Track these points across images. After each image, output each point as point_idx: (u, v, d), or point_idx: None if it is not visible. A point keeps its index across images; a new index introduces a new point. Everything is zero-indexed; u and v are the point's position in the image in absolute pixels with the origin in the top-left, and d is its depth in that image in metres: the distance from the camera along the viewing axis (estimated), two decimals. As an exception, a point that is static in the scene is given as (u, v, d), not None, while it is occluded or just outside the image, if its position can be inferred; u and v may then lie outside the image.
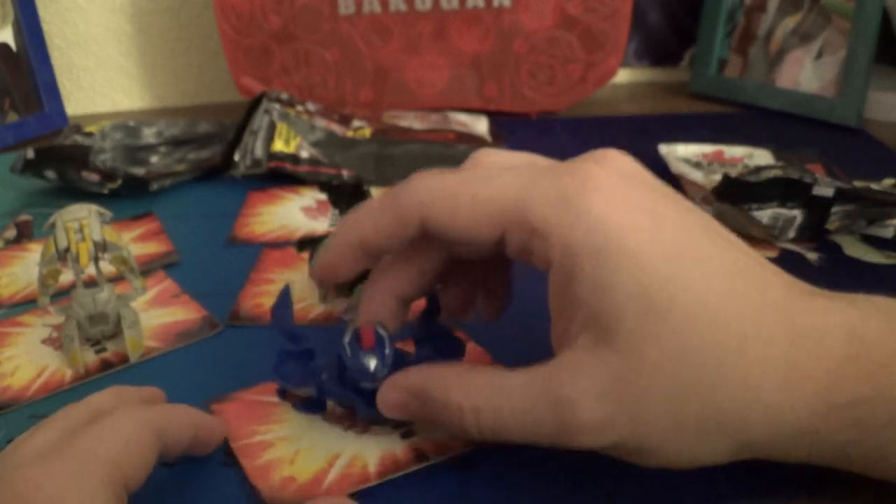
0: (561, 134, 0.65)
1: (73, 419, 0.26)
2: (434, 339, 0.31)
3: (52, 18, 0.75)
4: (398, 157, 0.57)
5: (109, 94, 0.79)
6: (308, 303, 0.40)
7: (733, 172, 0.46)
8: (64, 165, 0.54)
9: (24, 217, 0.52)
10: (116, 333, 0.37)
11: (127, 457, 0.25)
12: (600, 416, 0.24)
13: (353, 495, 0.27)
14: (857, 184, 0.46)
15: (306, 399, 0.31)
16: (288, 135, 0.57)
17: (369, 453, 0.29)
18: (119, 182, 0.53)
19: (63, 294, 0.39)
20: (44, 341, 0.38)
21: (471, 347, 0.35)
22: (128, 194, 0.53)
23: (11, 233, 0.50)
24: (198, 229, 0.49)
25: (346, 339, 0.29)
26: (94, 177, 0.53)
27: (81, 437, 0.25)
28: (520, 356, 0.33)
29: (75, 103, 0.78)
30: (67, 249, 0.35)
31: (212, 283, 0.42)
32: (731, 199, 0.45)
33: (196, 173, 0.57)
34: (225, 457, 0.30)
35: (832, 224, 0.44)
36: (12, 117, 0.67)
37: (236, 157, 0.56)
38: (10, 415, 0.33)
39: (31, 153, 0.53)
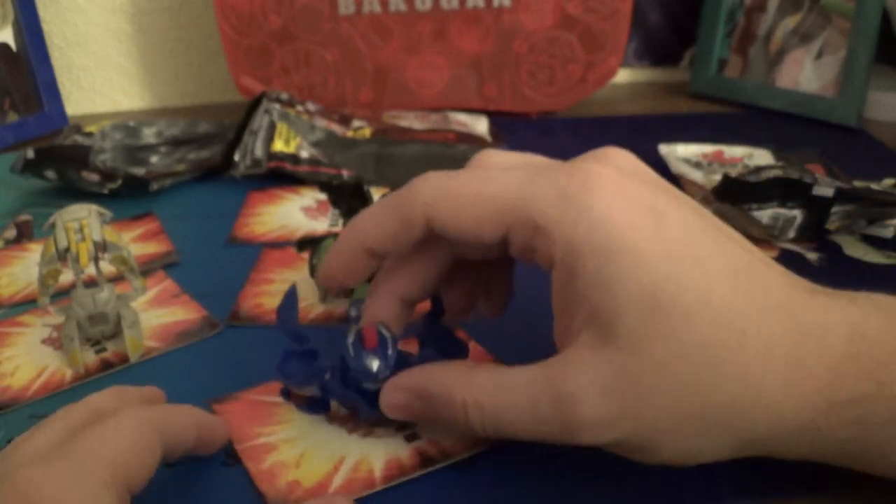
0: (561, 134, 0.65)
1: (74, 419, 0.26)
2: (437, 341, 0.31)
3: (52, 18, 0.75)
4: (398, 157, 0.57)
5: (109, 94, 0.79)
6: (308, 303, 0.40)
7: (733, 172, 0.46)
8: (64, 165, 0.54)
9: (24, 217, 0.52)
10: (116, 333, 0.37)
11: (130, 458, 0.25)
12: (602, 412, 0.24)
13: (358, 500, 0.27)
14: (857, 184, 0.46)
15: (310, 399, 0.31)
16: (288, 135, 0.57)
17: (374, 457, 0.29)
18: (119, 182, 0.53)
19: (63, 294, 0.39)
20: (44, 341, 0.38)
21: (472, 347, 0.35)
22: (128, 194, 0.53)
23: (11, 233, 0.50)
24: (198, 229, 0.49)
25: (350, 339, 0.29)
26: (94, 177, 0.53)
27: (83, 437, 0.25)
28: (521, 355, 0.33)
29: (75, 103, 0.78)
30: (67, 249, 0.35)
31: (212, 283, 0.42)
32: (731, 199, 0.45)
33: (196, 173, 0.57)
34: (226, 457, 0.30)
35: (832, 224, 0.44)
36: (12, 117, 0.67)
37: (236, 157, 0.56)
38: (10, 415, 0.33)
39: (31, 153, 0.53)
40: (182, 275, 0.44)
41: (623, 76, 0.80)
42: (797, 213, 0.45)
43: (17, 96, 0.67)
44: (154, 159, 0.60)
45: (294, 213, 0.51)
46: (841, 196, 0.43)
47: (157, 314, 0.40)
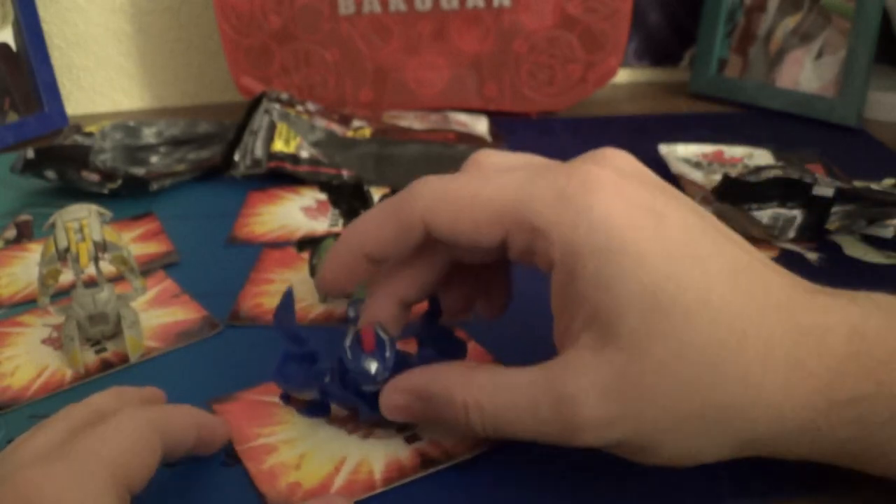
0: (561, 134, 0.65)
1: (75, 420, 0.26)
2: (436, 341, 0.31)
3: (52, 18, 0.75)
4: (398, 157, 0.57)
5: (109, 94, 0.79)
6: (308, 303, 0.40)
7: (733, 172, 0.46)
8: (64, 165, 0.54)
9: (24, 217, 0.52)
10: (116, 333, 0.37)
11: (130, 458, 0.25)
12: (602, 413, 0.24)
13: (359, 502, 0.27)
14: (857, 184, 0.46)
15: (310, 403, 0.31)
16: (288, 135, 0.57)
17: (375, 458, 0.29)
18: (119, 182, 0.53)
19: (63, 294, 0.39)
20: (44, 341, 0.38)
21: (472, 347, 0.35)
22: (128, 194, 0.53)
23: (11, 233, 0.50)
24: (198, 229, 0.49)
25: (348, 341, 0.29)
26: (94, 177, 0.53)
27: (84, 437, 0.25)
28: (521, 355, 0.33)
29: (75, 103, 0.78)
30: (67, 249, 0.35)
31: (212, 283, 0.42)
32: (731, 199, 0.45)
33: (196, 173, 0.57)
34: (226, 458, 0.30)
35: (832, 224, 0.44)
36: (12, 117, 0.67)
37: (236, 157, 0.56)
38: (10, 415, 0.33)
39: (31, 153, 0.53)
40: (182, 275, 0.44)
41: (623, 76, 0.80)
42: (797, 213, 0.45)
43: (17, 96, 0.67)
44: (154, 159, 0.60)
45: (294, 213, 0.51)
46: (841, 196, 0.43)
47: (157, 314, 0.40)
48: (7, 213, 0.53)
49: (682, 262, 0.24)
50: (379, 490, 0.28)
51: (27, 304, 0.41)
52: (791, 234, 0.44)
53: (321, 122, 0.60)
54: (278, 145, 0.56)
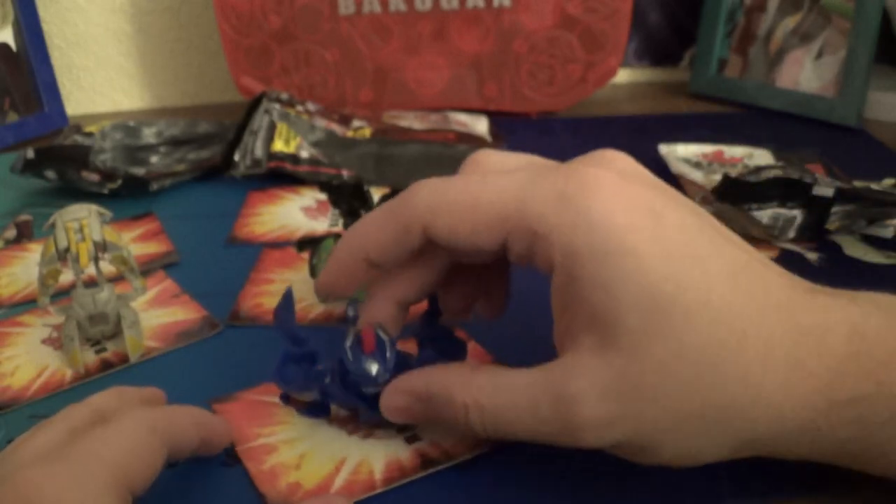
0: (561, 134, 0.65)
1: (75, 420, 0.26)
2: (436, 341, 0.31)
3: (52, 18, 0.75)
4: (398, 157, 0.57)
5: (109, 94, 0.79)
6: (308, 303, 0.40)
7: (733, 172, 0.46)
8: (64, 165, 0.54)
9: (24, 217, 0.52)
10: (116, 333, 0.37)
11: (132, 460, 0.24)
12: (603, 414, 0.24)
13: (359, 502, 0.27)
14: (857, 184, 0.46)
15: (310, 403, 0.31)
16: (288, 135, 0.57)
17: (375, 459, 0.29)
18: (119, 182, 0.53)
19: (63, 294, 0.39)
20: (44, 341, 0.38)
21: (472, 347, 0.35)
22: (128, 194, 0.53)
23: (11, 233, 0.50)
24: (198, 229, 0.49)
25: (348, 343, 0.29)
26: (94, 177, 0.53)
27: (86, 439, 0.25)
28: (521, 355, 0.33)
29: (75, 103, 0.78)
30: (67, 249, 0.35)
31: (212, 283, 0.42)
32: (731, 199, 0.45)
33: (196, 173, 0.57)
34: (226, 457, 0.30)
35: (832, 224, 0.44)
36: (12, 117, 0.67)
37: (236, 157, 0.56)
38: (10, 415, 0.33)
39: (31, 153, 0.53)
40: (182, 275, 0.44)
41: (623, 76, 0.80)
42: (797, 213, 0.45)
43: (17, 96, 0.67)
44: (154, 159, 0.60)
45: (294, 213, 0.51)
46: (841, 196, 0.43)
47: (157, 314, 0.40)
48: (7, 213, 0.53)
49: (681, 262, 0.24)
50: (379, 490, 0.28)
51: (27, 304, 0.41)
52: (791, 234, 0.44)
53: (321, 122, 0.60)
54: (278, 145, 0.56)
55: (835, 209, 0.44)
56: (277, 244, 0.47)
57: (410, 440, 0.30)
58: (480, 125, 0.64)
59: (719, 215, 0.45)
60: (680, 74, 0.79)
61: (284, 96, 0.60)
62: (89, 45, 0.77)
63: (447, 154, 0.57)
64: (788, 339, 0.24)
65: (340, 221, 0.42)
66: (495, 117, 0.67)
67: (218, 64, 0.77)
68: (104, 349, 0.37)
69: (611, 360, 0.24)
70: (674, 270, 0.24)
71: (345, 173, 0.55)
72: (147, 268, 0.44)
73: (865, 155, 0.58)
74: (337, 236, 0.40)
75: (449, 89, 0.69)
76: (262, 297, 0.41)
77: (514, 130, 0.65)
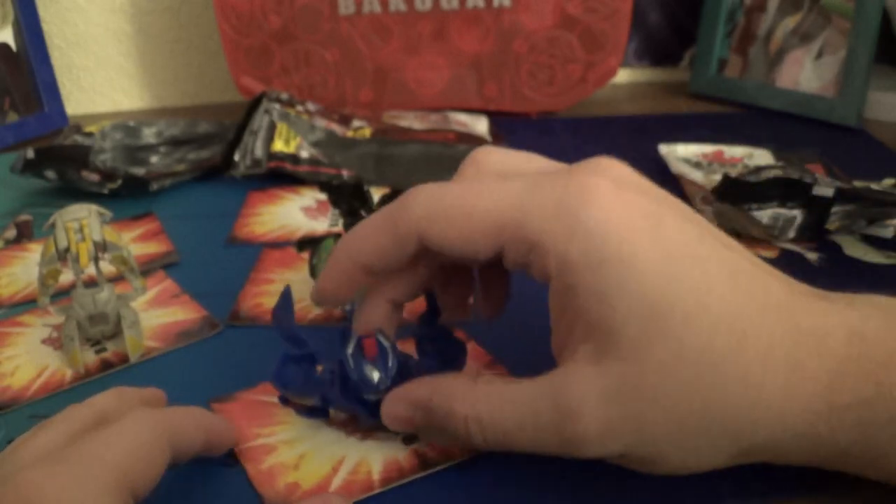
0: (561, 134, 0.65)
1: (77, 421, 0.26)
2: (435, 341, 0.31)
3: (52, 18, 0.75)
4: (398, 157, 0.57)
5: (109, 94, 0.79)
6: (307, 303, 0.40)
7: (733, 172, 0.46)
8: (64, 165, 0.54)
9: (24, 217, 0.52)
10: (116, 333, 0.37)
11: (135, 463, 0.24)
12: (604, 424, 0.24)
13: (357, 503, 0.27)
14: (857, 184, 0.46)
15: (309, 406, 0.31)
16: (288, 135, 0.57)
17: (373, 459, 0.29)
18: (119, 182, 0.53)
19: (63, 294, 0.39)
20: (44, 341, 0.38)
21: (471, 347, 0.35)
22: (128, 194, 0.53)
23: (11, 233, 0.50)
24: (198, 229, 0.49)
25: (350, 349, 0.28)
26: (94, 177, 0.53)
27: (88, 440, 0.25)
28: (521, 355, 0.33)
29: (75, 103, 0.78)
30: (67, 249, 0.35)
31: (212, 283, 0.42)
32: (731, 199, 0.45)
33: (196, 173, 0.57)
34: (226, 458, 0.30)
35: (832, 224, 0.44)
36: (12, 117, 0.67)
37: (236, 157, 0.56)
38: (10, 415, 0.33)
39: (31, 153, 0.53)
40: (182, 275, 0.44)
41: (623, 76, 0.80)
42: (797, 213, 0.45)
43: (17, 96, 0.67)
44: (154, 159, 0.60)
45: (294, 213, 0.51)
46: (841, 196, 0.43)
47: (157, 314, 0.40)
48: (7, 213, 0.53)
49: (679, 263, 0.24)
50: (377, 490, 0.28)
51: (27, 304, 0.41)
52: (791, 234, 0.44)
53: (321, 122, 0.60)
54: (278, 145, 0.56)
55: (835, 209, 0.44)
56: (277, 244, 0.47)
57: (408, 441, 0.30)
58: (480, 125, 0.64)
59: (719, 215, 0.45)
60: (680, 74, 0.79)
61: (284, 96, 0.60)
62: (89, 45, 0.77)
63: (447, 154, 0.57)
64: (788, 341, 0.24)
65: (340, 221, 0.42)
66: (495, 117, 0.67)
67: (218, 64, 0.77)
68: (104, 349, 0.37)
69: (610, 367, 0.24)
70: (672, 272, 0.24)
71: (345, 173, 0.55)
72: (147, 268, 0.44)
73: (865, 155, 0.58)
74: (337, 236, 0.40)
75: (449, 89, 0.69)
76: (262, 297, 0.41)
77: (514, 130, 0.65)
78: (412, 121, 0.64)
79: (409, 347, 0.31)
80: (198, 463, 0.29)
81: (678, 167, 0.53)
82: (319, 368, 0.31)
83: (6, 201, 0.55)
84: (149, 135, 0.62)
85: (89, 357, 0.37)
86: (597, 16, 0.65)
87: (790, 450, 0.25)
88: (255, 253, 0.46)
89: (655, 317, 0.23)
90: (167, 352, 0.37)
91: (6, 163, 0.56)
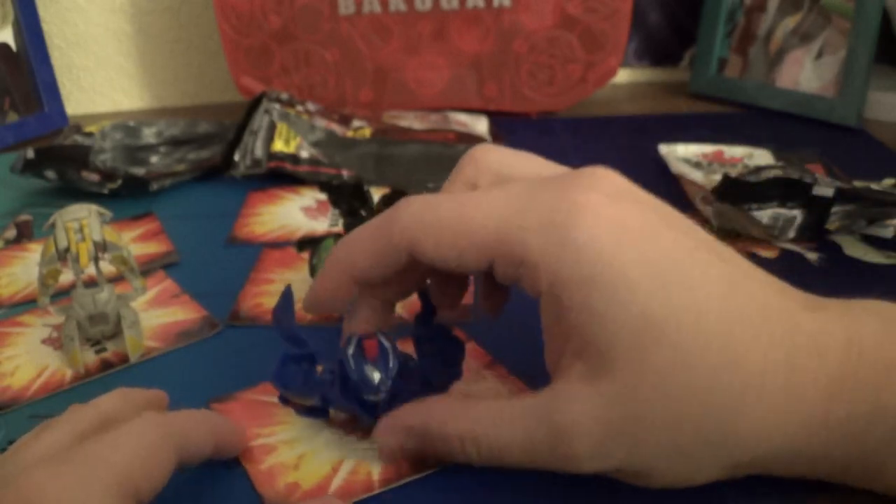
0: (561, 134, 0.65)
1: (81, 423, 0.26)
2: (434, 341, 0.31)
3: (52, 18, 0.75)
4: (398, 157, 0.57)
5: (109, 94, 0.79)
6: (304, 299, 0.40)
7: (733, 172, 0.46)
8: (64, 165, 0.54)
9: (24, 217, 0.52)
10: (116, 333, 0.37)
11: (140, 467, 0.24)
12: (596, 444, 0.24)
13: (357, 503, 0.27)
14: (857, 184, 0.46)
15: (309, 406, 0.31)
16: (288, 135, 0.57)
17: (373, 460, 0.29)
18: (119, 182, 0.53)
19: (63, 294, 0.39)
20: (44, 341, 0.38)
21: (471, 347, 0.35)
22: (128, 194, 0.53)
23: (11, 233, 0.50)
24: (198, 229, 0.49)
25: (350, 350, 0.29)
26: (94, 177, 0.53)
27: (93, 442, 0.24)
28: (521, 355, 0.33)
29: (75, 103, 0.78)
30: (67, 249, 0.35)
31: (212, 283, 0.42)
32: (731, 199, 0.45)
33: (196, 173, 0.57)
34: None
35: (832, 224, 0.44)
36: (12, 117, 0.67)
37: (236, 157, 0.56)
38: (10, 415, 0.33)
39: (31, 153, 0.53)
40: (182, 275, 0.44)
41: (623, 76, 0.80)
42: (797, 213, 0.45)
43: (17, 96, 0.67)
44: (154, 159, 0.60)
45: (294, 213, 0.51)
46: (841, 196, 0.43)
47: (157, 314, 0.40)
48: (7, 213, 0.53)
49: (671, 287, 0.24)
50: (377, 491, 0.28)
51: (27, 304, 0.41)
52: (791, 234, 0.44)
53: (321, 122, 0.60)
54: (278, 145, 0.56)
55: (835, 209, 0.44)
56: (277, 244, 0.47)
57: None
58: (480, 125, 0.64)
59: (719, 215, 0.45)
60: (680, 74, 0.79)
61: (284, 96, 0.60)
62: (89, 45, 0.77)
63: (447, 154, 0.57)
64: (784, 364, 0.24)
65: (340, 221, 0.42)
66: (495, 117, 0.67)
67: (218, 64, 0.77)
68: (104, 349, 0.37)
69: (602, 389, 0.24)
70: (664, 292, 0.23)
71: (345, 173, 0.55)
72: (147, 268, 0.44)
73: (865, 155, 0.58)
74: (337, 236, 0.40)
75: (449, 89, 0.69)
76: (262, 297, 0.41)
77: (514, 130, 0.65)
78: (412, 121, 0.64)
79: (408, 347, 0.31)
80: (200, 463, 0.29)
81: (678, 167, 0.53)
82: (319, 369, 0.31)
83: (6, 201, 0.55)
84: (149, 135, 0.62)
85: (89, 357, 0.37)
86: (597, 16, 0.65)
87: (787, 464, 0.25)
88: (255, 253, 0.46)
89: (647, 340, 0.23)
90: (167, 352, 0.37)
91: (6, 163, 0.56)
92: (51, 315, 0.38)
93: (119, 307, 0.37)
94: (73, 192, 0.52)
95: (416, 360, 0.30)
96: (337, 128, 0.60)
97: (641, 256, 0.24)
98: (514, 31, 0.66)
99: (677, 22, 0.77)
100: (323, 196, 0.52)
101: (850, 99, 0.62)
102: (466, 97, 0.69)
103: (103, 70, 0.78)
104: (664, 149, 0.56)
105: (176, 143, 0.62)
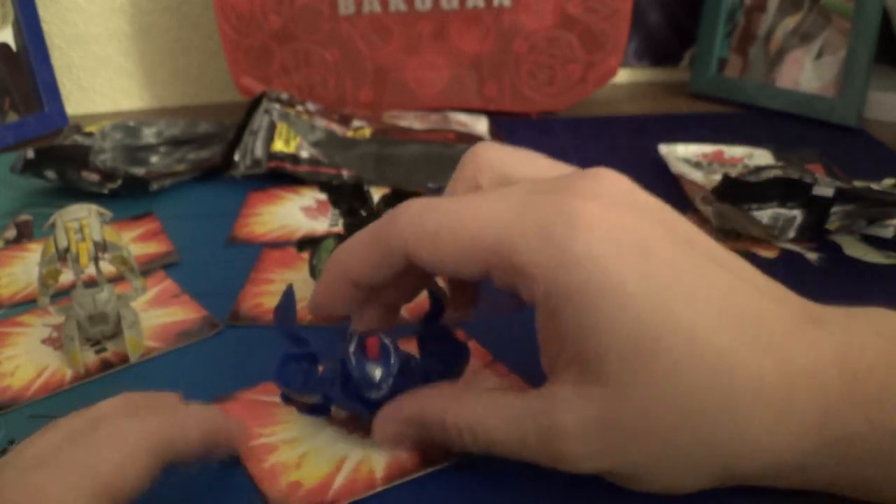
0: (561, 134, 0.65)
1: (75, 425, 0.26)
2: (437, 340, 0.31)
3: (52, 18, 0.75)
4: (398, 157, 0.57)
5: (109, 94, 0.79)
6: (307, 303, 0.40)
7: (733, 172, 0.46)
8: (64, 165, 0.54)
9: (24, 217, 0.52)
10: (116, 333, 0.37)
11: (118, 469, 0.24)
12: (587, 449, 0.24)
13: (360, 501, 0.27)
14: (857, 184, 0.46)
15: (310, 404, 0.31)
16: (288, 135, 0.57)
17: (375, 458, 0.29)
18: (119, 182, 0.53)
19: (63, 294, 0.39)
20: (44, 341, 0.38)
21: (471, 346, 0.35)
22: (128, 194, 0.53)
23: (11, 233, 0.50)
24: (198, 229, 0.49)
25: (352, 348, 0.29)
26: (94, 177, 0.53)
27: (78, 445, 0.24)
28: (521, 355, 0.33)
29: (75, 103, 0.78)
30: (67, 249, 0.35)
31: (212, 283, 0.42)
32: (731, 199, 0.45)
33: (196, 173, 0.57)
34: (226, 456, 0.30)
35: (832, 224, 0.44)
36: (12, 117, 0.67)
37: (236, 157, 0.56)
38: (10, 415, 0.33)
39: (31, 153, 0.53)
40: (182, 275, 0.44)
41: (623, 76, 0.80)
42: (797, 213, 0.45)
43: (17, 96, 0.67)
44: (154, 159, 0.60)
45: (294, 213, 0.51)
46: (841, 196, 0.43)
47: (157, 314, 0.40)
48: (7, 213, 0.53)
49: (667, 301, 0.23)
50: (380, 489, 0.28)
51: (27, 304, 0.41)
52: (791, 234, 0.44)
53: (321, 122, 0.60)
54: (278, 145, 0.56)
55: (835, 209, 0.44)
56: (277, 244, 0.47)
57: None
58: (480, 125, 0.64)
59: (719, 215, 0.45)
60: (680, 74, 0.79)
61: (284, 96, 0.60)
62: (89, 45, 0.77)
63: (447, 154, 0.57)
64: (780, 382, 0.23)
65: (340, 221, 0.42)
66: (495, 117, 0.67)
67: (218, 64, 0.77)
68: (104, 349, 0.37)
69: (595, 397, 0.24)
70: (660, 310, 0.23)
71: (345, 173, 0.55)
72: (147, 268, 0.44)
73: (865, 155, 0.58)
74: (337, 236, 0.40)
75: (449, 89, 0.69)
76: (262, 297, 0.41)
77: (514, 130, 0.65)
78: (412, 121, 0.64)
79: (411, 347, 0.31)
80: (200, 462, 0.29)
81: (678, 167, 0.53)
82: (321, 368, 0.31)
83: (6, 201, 0.55)
84: (149, 135, 0.62)
85: (89, 357, 0.37)
86: (597, 16, 0.65)
87: (777, 479, 0.25)
88: (255, 253, 0.46)
89: (641, 353, 0.23)
90: (167, 352, 0.37)
91: (6, 163, 0.56)
92: (51, 315, 0.38)
93: (119, 307, 0.37)
94: (73, 192, 0.52)
95: (418, 359, 0.30)
96: (337, 128, 0.60)
97: (638, 271, 0.24)
98: (514, 31, 0.66)
99: (677, 22, 0.77)
100: (323, 196, 0.52)
101: (850, 99, 0.62)
102: (466, 97, 0.69)
103: (103, 70, 0.78)
104: (664, 149, 0.56)
105: (176, 143, 0.62)
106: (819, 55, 0.65)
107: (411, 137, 0.60)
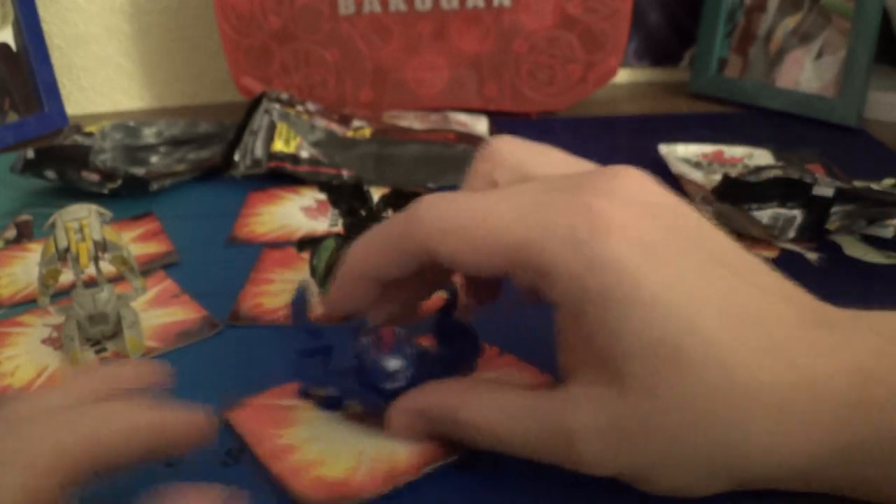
0: (561, 134, 0.65)
1: (21, 412, 0.25)
2: (451, 335, 0.32)
3: (52, 18, 0.75)
4: (398, 157, 0.57)
5: (109, 94, 0.79)
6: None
7: (733, 172, 0.46)
8: (64, 165, 0.54)
9: (24, 217, 0.52)
10: (116, 333, 0.37)
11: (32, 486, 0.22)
12: (600, 451, 0.25)
13: (384, 496, 0.27)
14: (857, 184, 0.46)
15: (328, 397, 0.31)
16: (288, 135, 0.57)
17: (395, 450, 0.29)
18: (119, 182, 0.53)
19: (63, 294, 0.39)
20: (44, 341, 0.38)
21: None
22: (128, 194, 0.53)
23: (11, 233, 0.50)
24: (198, 229, 0.49)
25: (367, 341, 0.29)
26: (94, 177, 0.53)
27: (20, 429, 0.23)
28: (523, 354, 0.33)
29: (75, 103, 0.78)
30: (67, 249, 0.35)
31: (212, 283, 0.42)
32: (731, 199, 0.45)
33: (196, 173, 0.57)
34: (226, 457, 0.30)
35: (832, 224, 0.44)
36: (12, 117, 0.67)
37: (236, 157, 0.56)
38: (11, 415, 0.33)
39: (31, 153, 0.53)
40: (182, 275, 0.43)
41: (623, 76, 0.80)
42: (797, 213, 0.45)
43: (17, 96, 0.67)
44: (154, 159, 0.60)
45: (294, 213, 0.51)
46: (841, 196, 0.43)
47: (157, 314, 0.40)
48: (7, 213, 0.53)
49: (688, 307, 0.24)
50: (403, 479, 0.28)
51: (27, 304, 0.41)
52: (791, 234, 0.44)
53: (321, 122, 0.60)
54: (278, 145, 0.56)
55: (835, 209, 0.44)
56: (277, 244, 0.47)
57: None
58: (480, 125, 0.64)
59: (719, 215, 0.45)
60: (680, 74, 0.79)
61: (284, 96, 0.60)
62: (89, 45, 0.77)
63: (447, 154, 0.57)
64: (791, 390, 0.24)
65: (340, 221, 0.42)
66: (495, 117, 0.67)
67: (218, 64, 0.77)
68: (104, 349, 0.37)
69: (612, 401, 0.24)
70: (680, 317, 0.24)
71: (345, 173, 0.55)
72: (147, 268, 0.44)
73: (865, 155, 0.58)
74: (337, 236, 0.40)
75: (449, 89, 0.69)
76: (262, 297, 0.41)
77: (514, 130, 0.64)
78: (412, 121, 0.64)
79: (424, 341, 0.31)
80: (200, 463, 0.29)
81: (678, 167, 0.53)
82: (337, 362, 0.31)
83: (6, 201, 0.55)
84: (149, 135, 0.62)
85: (89, 357, 0.37)
86: (597, 16, 0.65)
87: (785, 483, 0.25)
88: (255, 253, 0.46)
89: (660, 359, 0.23)
90: (167, 352, 0.37)
91: (6, 163, 0.56)
92: (51, 315, 0.38)
93: (119, 307, 0.37)
94: (73, 192, 0.52)
95: (432, 352, 0.31)
96: (337, 128, 0.60)
97: (660, 276, 0.24)
98: (514, 31, 0.66)
99: (677, 22, 0.77)
100: (323, 196, 0.52)
101: (850, 99, 0.62)
102: (466, 97, 0.69)
103: (103, 70, 0.78)
104: (664, 149, 0.56)
105: (176, 143, 0.62)
106: (819, 55, 0.65)
107: (411, 137, 0.60)
